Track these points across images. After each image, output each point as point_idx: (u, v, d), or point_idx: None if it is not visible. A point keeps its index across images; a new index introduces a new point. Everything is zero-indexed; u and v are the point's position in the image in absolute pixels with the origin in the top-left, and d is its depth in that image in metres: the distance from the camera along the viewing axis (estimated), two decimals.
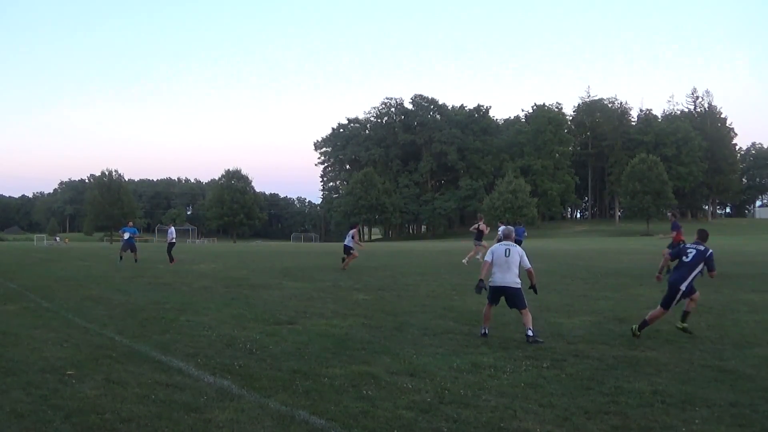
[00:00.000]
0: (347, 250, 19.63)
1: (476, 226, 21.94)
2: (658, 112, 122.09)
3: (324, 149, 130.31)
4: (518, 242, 21.31)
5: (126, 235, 23.05)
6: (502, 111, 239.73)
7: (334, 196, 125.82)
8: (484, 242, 21.06)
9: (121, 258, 22.25)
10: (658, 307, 7.56)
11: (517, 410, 4.69)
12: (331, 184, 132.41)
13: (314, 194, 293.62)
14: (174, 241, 23.53)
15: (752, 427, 4.36)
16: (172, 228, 24.06)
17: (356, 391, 5.18)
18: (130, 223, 24.83)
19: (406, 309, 10.16)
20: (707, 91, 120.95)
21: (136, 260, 22.14)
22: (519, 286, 7.56)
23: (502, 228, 8.64)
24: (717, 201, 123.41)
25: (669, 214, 16.83)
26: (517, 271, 7.60)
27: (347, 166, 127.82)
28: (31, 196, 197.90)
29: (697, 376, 5.71)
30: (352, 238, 19.87)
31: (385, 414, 4.58)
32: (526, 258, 7.67)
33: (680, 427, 4.34)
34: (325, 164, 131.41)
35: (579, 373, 5.79)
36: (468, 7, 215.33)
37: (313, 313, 9.65)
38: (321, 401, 4.90)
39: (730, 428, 4.34)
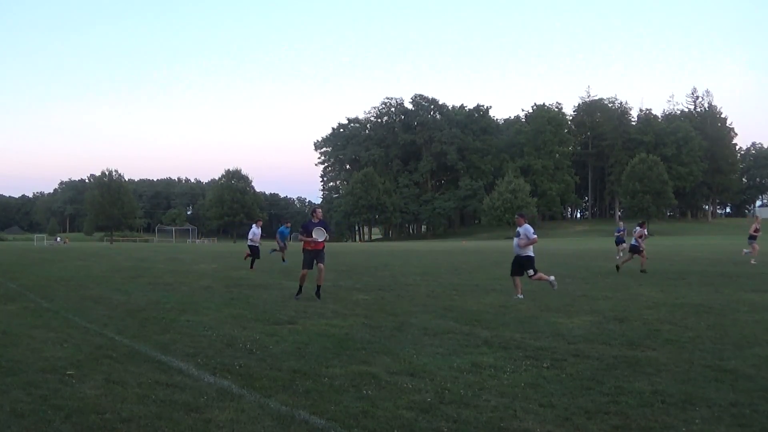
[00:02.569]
0: (635, 249, 17.83)
1: (754, 227, 23.19)
2: (658, 112, 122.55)
3: (324, 149, 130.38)
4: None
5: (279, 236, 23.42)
6: (502, 111, 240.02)
7: (335, 196, 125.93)
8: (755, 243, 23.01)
9: (284, 259, 22.88)
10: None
11: (517, 410, 4.68)
12: (331, 184, 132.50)
13: (314, 194, 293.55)
14: (256, 244, 20.49)
15: (752, 427, 4.36)
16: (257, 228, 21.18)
17: (356, 391, 5.18)
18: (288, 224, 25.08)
19: (406, 309, 10.16)
20: (707, 91, 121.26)
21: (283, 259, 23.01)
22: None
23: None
24: (717, 201, 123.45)
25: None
26: None
27: (347, 166, 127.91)
28: (31, 196, 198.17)
29: (697, 376, 5.70)
30: (639, 237, 17.92)
31: (386, 414, 4.58)
32: None
33: (680, 427, 4.33)
34: (325, 164, 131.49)
35: (579, 373, 5.78)
36: (468, 7, 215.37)
37: (313, 313, 9.66)
38: (321, 401, 4.90)
39: (730, 428, 4.33)
